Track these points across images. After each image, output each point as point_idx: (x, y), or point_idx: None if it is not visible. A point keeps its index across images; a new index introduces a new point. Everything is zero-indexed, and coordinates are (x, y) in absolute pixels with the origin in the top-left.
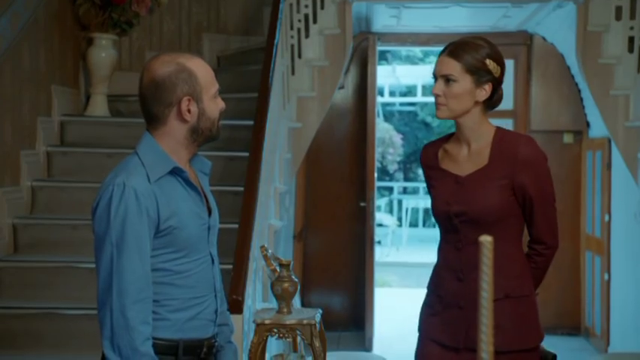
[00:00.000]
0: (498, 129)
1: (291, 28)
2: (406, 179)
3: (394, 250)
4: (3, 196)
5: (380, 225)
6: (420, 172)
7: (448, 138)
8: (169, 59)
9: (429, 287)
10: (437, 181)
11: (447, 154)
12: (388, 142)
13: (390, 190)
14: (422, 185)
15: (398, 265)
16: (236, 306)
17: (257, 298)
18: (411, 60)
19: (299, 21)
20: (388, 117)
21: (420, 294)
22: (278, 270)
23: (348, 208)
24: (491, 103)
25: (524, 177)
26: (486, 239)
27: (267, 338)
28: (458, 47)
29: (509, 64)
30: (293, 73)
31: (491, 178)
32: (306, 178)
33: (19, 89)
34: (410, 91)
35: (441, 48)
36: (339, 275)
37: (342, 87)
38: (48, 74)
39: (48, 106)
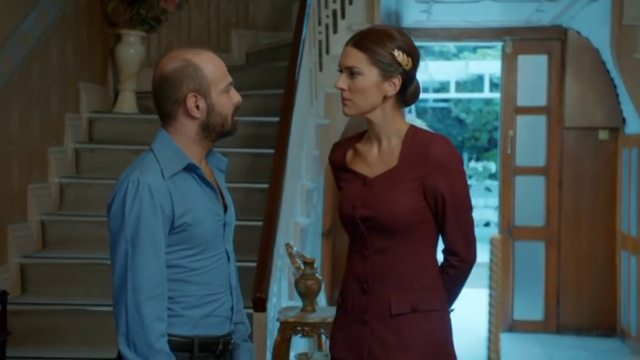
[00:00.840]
0: (412, 127)
1: (319, 24)
2: None
3: None
4: (31, 193)
5: None
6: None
7: (361, 136)
8: (177, 55)
9: (337, 300)
10: (345, 182)
11: (357, 153)
12: None
13: None
14: None
15: None
16: (260, 304)
17: (282, 296)
18: (444, 56)
19: (327, 16)
20: (421, 113)
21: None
22: (302, 268)
23: None
24: (405, 98)
25: (436, 179)
26: (496, 238)
27: (291, 336)
28: (363, 37)
29: (542, 59)
30: (321, 69)
31: (400, 181)
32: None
33: (47, 86)
34: (443, 87)
35: (474, 43)
36: None
37: None
38: (76, 71)
39: (76, 103)
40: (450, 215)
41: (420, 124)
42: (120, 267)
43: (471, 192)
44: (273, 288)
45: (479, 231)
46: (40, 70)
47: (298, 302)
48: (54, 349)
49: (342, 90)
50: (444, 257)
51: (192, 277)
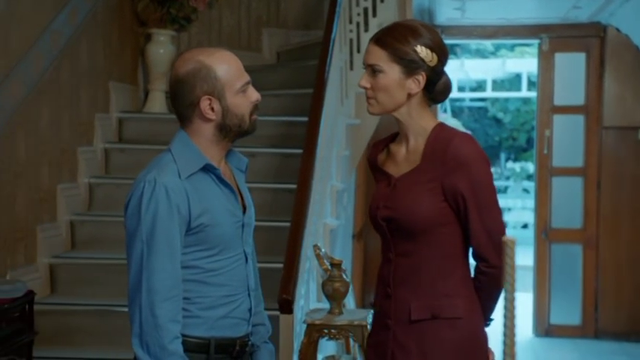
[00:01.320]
0: (438, 125)
1: (350, 22)
2: None
3: None
4: (61, 193)
5: None
6: (494, 170)
7: (396, 135)
8: (190, 57)
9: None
10: (377, 183)
11: (389, 153)
12: None
13: None
14: (495, 184)
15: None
16: (286, 306)
17: (311, 299)
18: (481, 54)
19: (358, 14)
20: (457, 113)
21: None
22: (330, 269)
23: None
24: (433, 95)
25: (455, 179)
26: (508, 239)
27: (317, 339)
28: (385, 34)
29: (580, 57)
30: (352, 68)
31: (420, 180)
32: (368, 175)
33: (77, 86)
34: (480, 86)
35: (510, 41)
36: None
37: None
38: (106, 70)
39: (106, 103)
40: (473, 217)
41: (454, 123)
42: (135, 267)
43: (508, 193)
44: (301, 290)
45: (517, 233)
46: (70, 70)
47: (327, 305)
48: (82, 349)
49: (365, 88)
50: (475, 263)
51: (210, 278)
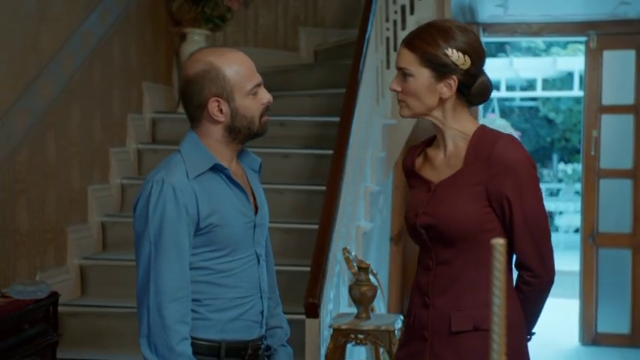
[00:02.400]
0: (480, 127)
1: (387, 20)
2: None
3: None
4: (92, 194)
5: None
6: (545, 172)
7: (432, 139)
8: (200, 57)
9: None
10: (414, 189)
11: (427, 158)
12: None
13: None
14: (545, 186)
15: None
16: (312, 310)
17: (342, 303)
18: (532, 52)
19: (395, 12)
20: (508, 113)
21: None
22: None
23: None
24: (470, 97)
25: (500, 182)
26: (498, 242)
27: (344, 344)
28: (415, 36)
29: (629, 54)
30: (388, 67)
31: (462, 185)
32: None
33: (109, 86)
34: (530, 85)
35: (556, 38)
36: None
37: None
38: (139, 70)
39: (139, 103)
40: (518, 223)
41: (503, 124)
42: (143, 268)
43: (560, 196)
44: (330, 294)
45: (568, 238)
46: (101, 70)
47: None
48: (109, 352)
49: (396, 91)
50: (518, 272)
51: (220, 280)
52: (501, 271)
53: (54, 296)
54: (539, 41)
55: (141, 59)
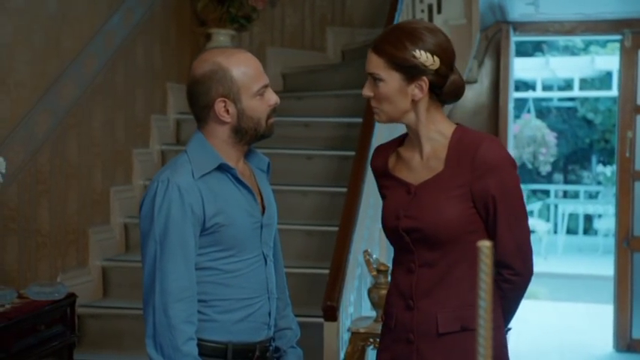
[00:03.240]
0: (459, 128)
1: (414, 19)
2: (566, 182)
3: (541, 259)
4: (115, 195)
5: (532, 232)
6: (584, 174)
7: (402, 139)
8: (208, 57)
9: (382, 317)
10: (388, 190)
11: (400, 158)
12: (540, 141)
13: (547, 193)
14: (584, 189)
15: (549, 276)
16: (330, 313)
17: (364, 306)
18: (570, 50)
19: (422, 11)
20: (545, 113)
21: (571, 308)
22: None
23: None
24: (443, 97)
25: (486, 182)
26: (484, 244)
27: (363, 348)
28: (382, 40)
29: None
30: None
31: (446, 187)
32: None
33: (133, 87)
34: (569, 85)
35: (589, 37)
36: None
37: (474, 81)
38: (163, 71)
39: (163, 104)
40: (501, 221)
41: (538, 125)
42: (149, 268)
43: (599, 199)
44: (350, 297)
45: (608, 242)
46: (125, 71)
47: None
48: (131, 354)
49: (369, 97)
50: (497, 271)
51: (227, 280)
52: (488, 273)
53: (71, 297)
54: (577, 40)
55: (165, 60)
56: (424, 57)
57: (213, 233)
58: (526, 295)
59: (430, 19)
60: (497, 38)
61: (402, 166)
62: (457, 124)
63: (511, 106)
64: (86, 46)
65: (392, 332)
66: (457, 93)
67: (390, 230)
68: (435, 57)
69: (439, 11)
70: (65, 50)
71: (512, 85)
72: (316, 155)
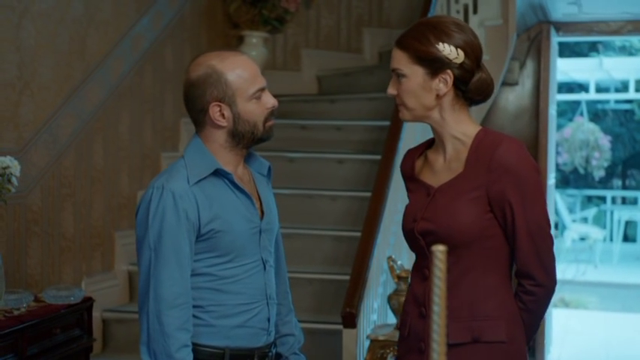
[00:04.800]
0: (483, 130)
1: None
2: (624, 187)
3: (592, 267)
4: None
5: (583, 239)
6: None
7: (432, 142)
8: (203, 61)
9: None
10: (412, 193)
11: (427, 161)
12: (593, 144)
13: (603, 199)
14: None
15: (601, 285)
16: (349, 320)
17: (389, 314)
18: (627, 51)
19: (457, 12)
20: (601, 116)
21: (622, 319)
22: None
23: None
24: (469, 95)
25: (502, 186)
26: (438, 249)
27: (382, 356)
28: (405, 35)
29: None
30: None
31: (463, 189)
32: None
33: (162, 90)
34: (625, 86)
35: (637, 37)
36: None
37: (515, 83)
38: None
39: None
40: (520, 229)
41: (591, 128)
42: (144, 275)
43: None
44: (373, 304)
45: None
46: (153, 74)
47: None
48: None
49: (393, 95)
50: (518, 281)
51: (224, 286)
52: (442, 279)
53: (88, 301)
54: (634, 40)
55: None
56: (448, 50)
57: (209, 239)
58: (574, 304)
59: (466, 19)
60: (539, 39)
61: (428, 169)
62: (482, 126)
63: (553, 108)
64: (113, 50)
65: (405, 341)
66: (484, 91)
67: (407, 233)
68: (460, 50)
69: (475, 11)
70: (91, 54)
71: (553, 88)
72: (347, 159)
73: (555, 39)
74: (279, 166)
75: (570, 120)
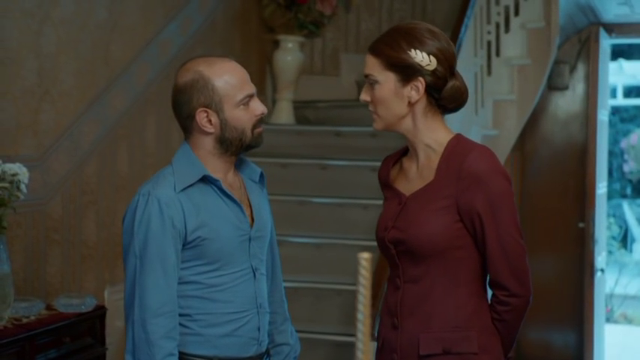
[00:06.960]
0: (456, 137)
1: (489, 22)
2: None
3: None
4: None
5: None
6: None
7: (408, 149)
8: (190, 66)
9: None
10: (386, 201)
11: (402, 169)
12: None
13: None
14: None
15: None
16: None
17: None
18: None
19: (498, 14)
20: None
21: None
22: None
23: (571, 230)
24: (442, 103)
25: (471, 195)
26: (362, 256)
27: None
28: (378, 41)
29: None
30: (489, 73)
31: (433, 198)
32: (521, 193)
33: None
34: None
35: None
36: (560, 307)
37: (565, 88)
38: None
39: None
40: (490, 239)
41: None
42: (129, 282)
43: None
44: None
45: None
46: None
47: None
48: None
49: (366, 102)
50: (492, 292)
51: (212, 295)
52: (365, 286)
53: (101, 310)
54: None
55: None
56: (420, 56)
57: (196, 247)
58: (619, 319)
59: (507, 22)
60: (589, 41)
61: (403, 176)
62: (457, 133)
63: (603, 114)
64: (138, 55)
65: (380, 352)
66: (458, 99)
67: (379, 241)
68: (432, 57)
69: (516, 14)
70: (114, 60)
71: (604, 92)
72: (373, 167)
73: (607, 41)
74: (311, 173)
75: (639, 126)
